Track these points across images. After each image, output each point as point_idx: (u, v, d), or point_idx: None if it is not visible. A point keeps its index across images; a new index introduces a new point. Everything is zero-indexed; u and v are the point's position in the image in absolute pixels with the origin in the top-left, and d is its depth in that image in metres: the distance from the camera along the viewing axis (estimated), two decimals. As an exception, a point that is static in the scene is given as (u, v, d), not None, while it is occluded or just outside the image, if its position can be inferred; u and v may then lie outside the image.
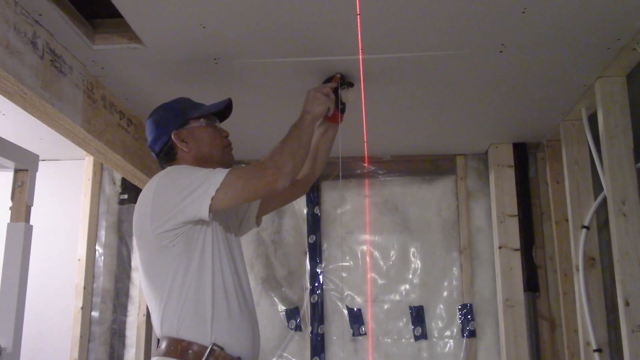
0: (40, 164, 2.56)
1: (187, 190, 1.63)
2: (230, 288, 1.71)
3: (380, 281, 3.37)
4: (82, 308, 3.30)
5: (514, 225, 3.20)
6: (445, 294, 3.32)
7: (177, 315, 1.63)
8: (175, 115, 1.87)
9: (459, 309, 3.29)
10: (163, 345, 1.64)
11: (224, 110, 1.96)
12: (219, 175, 1.64)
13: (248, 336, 1.71)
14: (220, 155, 1.88)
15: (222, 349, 1.61)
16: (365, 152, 3.39)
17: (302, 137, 1.80)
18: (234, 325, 1.67)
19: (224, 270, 1.71)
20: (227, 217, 1.87)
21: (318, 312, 3.33)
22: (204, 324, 1.63)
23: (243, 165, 1.81)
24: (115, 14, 1.95)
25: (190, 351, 1.59)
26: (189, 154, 1.84)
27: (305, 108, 1.89)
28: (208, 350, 1.59)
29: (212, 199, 1.61)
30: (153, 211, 1.66)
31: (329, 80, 2.20)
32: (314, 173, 2.16)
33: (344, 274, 3.39)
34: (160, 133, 1.87)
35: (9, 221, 2.41)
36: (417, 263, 3.37)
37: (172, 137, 1.84)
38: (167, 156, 1.87)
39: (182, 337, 1.61)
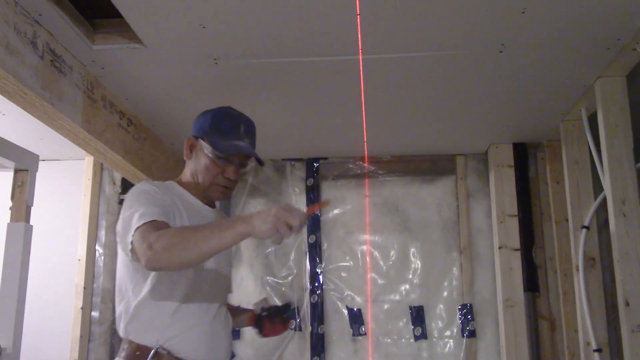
0: (40, 164, 2.56)
1: (121, 227, 1.64)
2: (180, 292, 1.65)
3: (380, 281, 3.37)
4: (82, 308, 3.30)
5: (514, 225, 3.20)
6: (445, 294, 3.32)
7: (127, 318, 1.65)
8: (202, 123, 1.83)
9: (459, 309, 3.29)
10: (121, 346, 1.67)
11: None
12: (134, 223, 1.58)
13: (202, 339, 1.65)
14: (206, 189, 1.80)
15: (168, 352, 1.60)
16: (365, 152, 3.39)
17: (213, 244, 1.49)
18: (185, 328, 1.63)
19: (175, 275, 1.66)
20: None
21: (318, 312, 3.33)
22: (149, 326, 1.62)
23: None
24: (115, 14, 1.95)
25: (137, 353, 1.60)
26: (189, 165, 1.84)
27: (253, 220, 1.46)
28: (152, 353, 1.58)
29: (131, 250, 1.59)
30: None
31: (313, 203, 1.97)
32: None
33: (344, 274, 3.39)
34: (192, 129, 1.88)
35: (9, 221, 2.41)
36: (417, 263, 3.37)
37: (185, 140, 1.84)
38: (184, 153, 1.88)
39: (131, 339, 1.63)
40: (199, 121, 1.85)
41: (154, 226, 1.55)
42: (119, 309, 1.69)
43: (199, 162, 1.79)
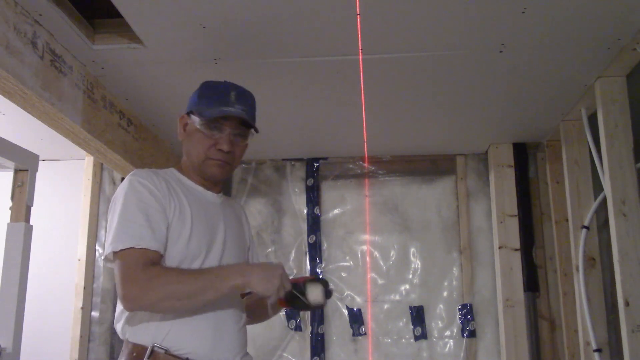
0: (40, 164, 2.56)
1: (108, 227, 1.55)
2: None
3: (380, 281, 3.37)
4: (82, 308, 3.30)
5: (514, 225, 3.20)
6: (445, 294, 3.32)
7: (124, 318, 1.57)
8: (192, 97, 1.71)
9: (458, 309, 3.29)
10: (122, 348, 1.57)
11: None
12: (121, 239, 1.48)
13: (205, 334, 1.54)
14: (199, 165, 1.66)
15: (166, 350, 1.49)
16: (365, 152, 3.39)
17: (208, 296, 1.45)
18: (183, 324, 1.52)
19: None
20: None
21: (318, 312, 3.33)
22: (145, 325, 1.52)
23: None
24: (115, 14, 1.95)
25: (134, 354, 1.51)
26: (184, 146, 1.72)
27: (253, 275, 1.46)
28: (148, 352, 1.48)
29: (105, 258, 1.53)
30: None
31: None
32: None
33: (343, 274, 3.39)
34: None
35: (9, 221, 2.41)
36: (417, 263, 3.37)
37: (178, 120, 1.72)
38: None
39: (128, 339, 1.55)
40: (190, 97, 1.72)
41: (144, 257, 1.46)
42: (118, 308, 1.60)
43: (191, 138, 1.66)
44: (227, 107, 1.61)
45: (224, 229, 1.67)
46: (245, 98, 1.68)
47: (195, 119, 1.64)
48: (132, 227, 1.48)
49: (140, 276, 1.43)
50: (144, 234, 1.48)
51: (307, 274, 3.38)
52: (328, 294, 1.64)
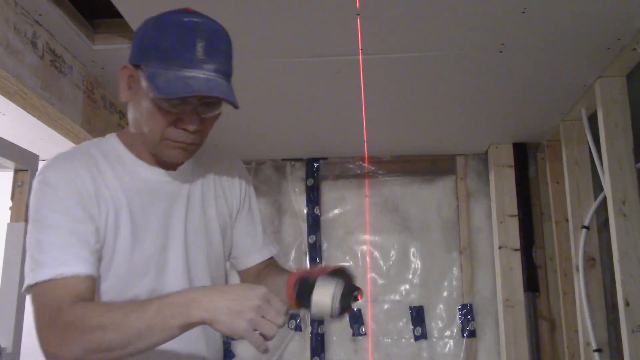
0: (40, 164, 2.56)
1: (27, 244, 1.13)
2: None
3: (380, 281, 3.37)
4: (82, 308, 3.30)
5: (514, 225, 3.20)
6: (445, 294, 3.32)
7: None
8: (141, 41, 1.18)
9: (458, 309, 3.29)
10: None
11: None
12: (32, 273, 1.08)
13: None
14: (154, 146, 1.18)
15: None
16: (365, 152, 3.39)
17: (141, 338, 0.98)
18: None
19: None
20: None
21: (318, 312, 3.32)
22: None
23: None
24: (115, 14, 1.95)
25: None
26: (130, 109, 1.20)
27: (217, 308, 0.98)
28: None
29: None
30: None
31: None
32: None
33: (344, 274, 3.39)
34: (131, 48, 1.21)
35: (9, 221, 2.41)
36: (417, 263, 3.37)
37: (119, 69, 1.19)
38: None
39: None
40: (137, 36, 1.20)
41: (66, 291, 1.05)
42: None
43: (139, 104, 1.16)
44: (193, 71, 1.09)
45: (184, 219, 1.24)
46: (218, 47, 1.15)
47: (145, 85, 1.12)
48: (48, 249, 1.08)
49: (56, 323, 1.02)
50: (65, 256, 1.08)
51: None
52: (346, 297, 1.14)
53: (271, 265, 1.43)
